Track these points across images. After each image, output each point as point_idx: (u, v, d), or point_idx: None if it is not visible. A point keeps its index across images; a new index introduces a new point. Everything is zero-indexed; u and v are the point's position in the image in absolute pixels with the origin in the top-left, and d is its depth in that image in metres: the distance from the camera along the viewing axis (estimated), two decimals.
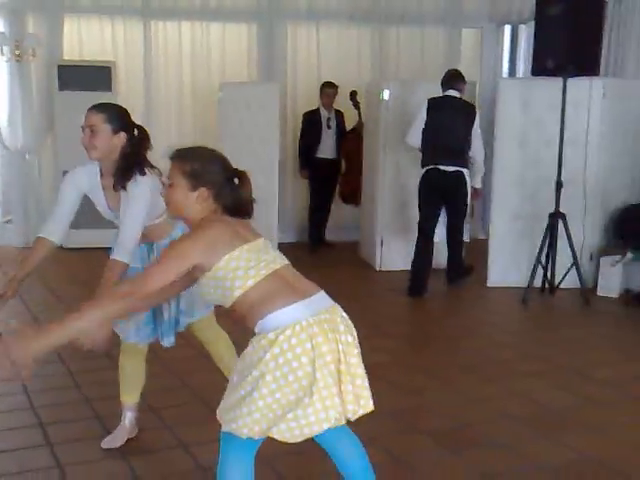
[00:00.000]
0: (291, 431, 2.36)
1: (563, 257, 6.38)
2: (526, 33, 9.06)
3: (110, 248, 3.15)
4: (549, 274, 6.48)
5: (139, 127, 3.30)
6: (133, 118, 8.89)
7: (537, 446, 3.64)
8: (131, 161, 3.18)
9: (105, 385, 4.09)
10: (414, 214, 6.71)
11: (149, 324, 3.46)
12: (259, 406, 2.31)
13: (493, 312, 6.30)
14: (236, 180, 2.52)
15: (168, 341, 3.48)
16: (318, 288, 2.49)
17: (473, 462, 3.48)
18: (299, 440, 2.39)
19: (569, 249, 6.28)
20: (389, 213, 7.45)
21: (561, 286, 6.49)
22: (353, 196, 8.47)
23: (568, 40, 5.92)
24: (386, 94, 7.16)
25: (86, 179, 3.28)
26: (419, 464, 3.45)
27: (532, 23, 8.56)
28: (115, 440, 3.54)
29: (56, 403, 4.09)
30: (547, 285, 6.52)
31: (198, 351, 3.93)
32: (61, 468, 3.31)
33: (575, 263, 6.30)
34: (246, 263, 2.37)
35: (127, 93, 8.21)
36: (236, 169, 2.56)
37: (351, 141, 8.36)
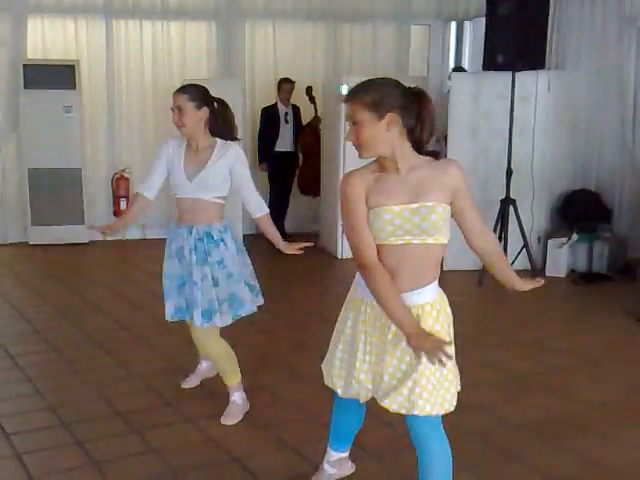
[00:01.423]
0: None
1: (513, 240, 6.86)
2: (470, 29, 9.52)
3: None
4: None
5: (219, 100, 3.73)
6: (96, 114, 9.08)
7: (507, 407, 4.08)
8: (222, 130, 3.69)
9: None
10: None
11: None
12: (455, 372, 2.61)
13: (452, 292, 6.65)
14: (412, 97, 2.44)
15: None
16: None
17: (453, 423, 3.84)
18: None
19: (519, 233, 6.75)
20: None
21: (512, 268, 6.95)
22: (311, 187, 8.79)
23: (517, 37, 6.35)
24: (344, 89, 7.49)
25: (171, 149, 3.71)
26: (397, 427, 3.79)
27: (477, 20, 9.07)
28: (230, 417, 3.82)
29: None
30: None
31: (183, 338, 4.22)
32: (81, 445, 3.59)
33: (525, 246, 6.78)
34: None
35: (90, 90, 8.40)
36: (411, 87, 2.48)
37: (308, 134, 8.69)
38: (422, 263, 2.49)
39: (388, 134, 2.41)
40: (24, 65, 7.95)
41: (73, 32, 8.35)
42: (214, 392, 4.15)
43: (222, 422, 3.79)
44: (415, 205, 2.42)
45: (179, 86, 3.80)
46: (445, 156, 2.34)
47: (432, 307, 2.54)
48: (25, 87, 7.96)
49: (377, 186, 2.47)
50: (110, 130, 8.58)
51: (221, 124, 3.70)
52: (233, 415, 3.83)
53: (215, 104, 3.70)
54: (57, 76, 8.01)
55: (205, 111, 3.63)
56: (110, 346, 5.00)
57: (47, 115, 8.05)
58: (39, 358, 4.82)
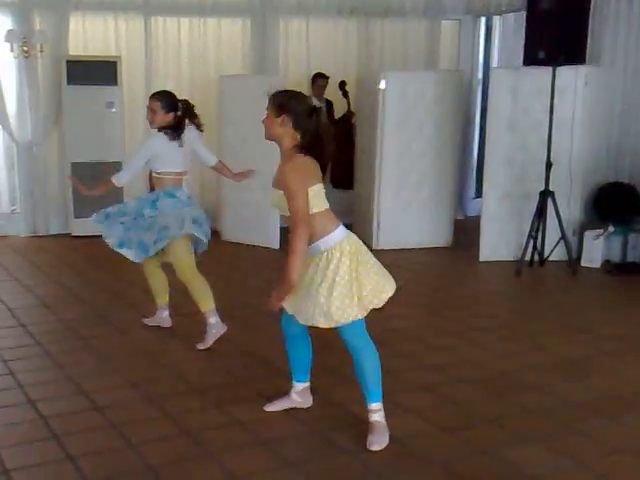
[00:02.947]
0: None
1: (550, 232, 7.02)
2: (500, 25, 9.67)
3: None
4: (539, 248, 7.11)
5: (183, 101, 4.84)
6: (136, 109, 9.37)
7: (565, 387, 4.25)
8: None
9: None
10: (409, 197, 7.40)
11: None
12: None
13: (491, 283, 6.90)
14: (311, 113, 3.32)
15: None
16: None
17: (513, 401, 4.06)
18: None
19: (556, 224, 6.90)
20: (386, 195, 7.91)
21: (548, 259, 7.13)
22: (344, 181, 8.94)
23: (558, 32, 6.49)
24: (383, 84, 7.66)
25: (159, 143, 4.79)
26: (466, 404, 4.01)
27: (506, 15, 9.23)
28: (207, 341, 4.80)
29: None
30: (537, 258, 7.13)
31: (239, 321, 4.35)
32: (172, 417, 3.77)
33: (563, 237, 6.93)
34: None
35: (129, 86, 8.55)
36: (314, 106, 3.40)
37: (341, 129, 8.86)
38: None
39: (280, 129, 3.30)
40: (67, 61, 8.11)
41: (113, 29, 8.52)
42: (280, 371, 4.33)
43: (198, 347, 4.76)
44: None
45: (154, 92, 5.04)
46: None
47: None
48: (68, 83, 8.13)
49: None
50: (148, 125, 8.72)
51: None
52: (210, 337, 4.79)
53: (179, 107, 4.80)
54: (99, 72, 8.17)
55: (171, 116, 4.80)
56: (173, 329, 5.19)
57: (89, 110, 8.22)
58: (110, 340, 5.02)
